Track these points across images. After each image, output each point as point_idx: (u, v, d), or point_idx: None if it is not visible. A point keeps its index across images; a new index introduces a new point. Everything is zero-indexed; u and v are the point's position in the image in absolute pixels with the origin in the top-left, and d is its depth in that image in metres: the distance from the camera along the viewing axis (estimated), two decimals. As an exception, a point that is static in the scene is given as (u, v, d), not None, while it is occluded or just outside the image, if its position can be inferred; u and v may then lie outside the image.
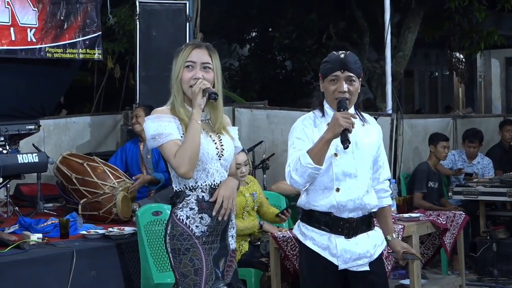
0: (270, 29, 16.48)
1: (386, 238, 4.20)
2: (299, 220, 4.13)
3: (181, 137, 3.74)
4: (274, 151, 8.44)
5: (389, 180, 4.26)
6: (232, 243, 3.90)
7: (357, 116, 3.93)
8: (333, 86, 3.96)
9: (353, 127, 3.78)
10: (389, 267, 5.64)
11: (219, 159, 3.81)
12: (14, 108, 8.32)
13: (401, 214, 6.35)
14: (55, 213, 7.23)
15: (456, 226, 6.63)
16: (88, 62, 10.47)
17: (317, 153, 3.80)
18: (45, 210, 7.39)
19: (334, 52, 4.06)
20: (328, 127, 3.82)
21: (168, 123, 3.75)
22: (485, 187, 8.05)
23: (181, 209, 3.77)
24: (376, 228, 4.14)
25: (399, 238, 5.58)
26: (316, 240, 3.98)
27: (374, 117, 8.08)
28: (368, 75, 13.97)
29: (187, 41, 9.34)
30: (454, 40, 14.72)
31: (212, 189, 3.79)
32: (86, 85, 12.76)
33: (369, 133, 4.05)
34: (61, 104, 12.02)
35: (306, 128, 3.99)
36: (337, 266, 3.98)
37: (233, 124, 9.38)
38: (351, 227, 3.98)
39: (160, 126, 3.73)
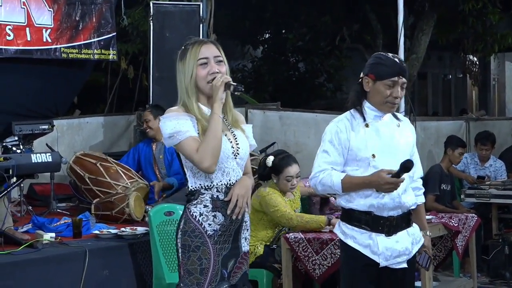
0: (283, 31, 16.51)
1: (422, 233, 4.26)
2: (339, 220, 4.20)
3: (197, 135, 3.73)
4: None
5: (422, 178, 4.29)
6: (245, 245, 3.87)
7: (401, 181, 3.94)
8: (389, 90, 4.00)
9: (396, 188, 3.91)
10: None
11: (235, 158, 3.79)
12: (29, 108, 8.36)
13: (413, 216, 6.34)
14: (68, 213, 7.25)
15: (468, 228, 6.62)
16: (101, 63, 10.50)
17: (351, 187, 3.99)
18: (58, 210, 7.41)
19: (385, 54, 4.08)
20: (373, 180, 3.92)
21: (185, 121, 3.73)
22: (498, 190, 8.03)
23: (195, 206, 3.76)
24: (414, 225, 4.20)
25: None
26: (357, 238, 4.05)
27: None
28: (381, 77, 13.94)
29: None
30: (468, 43, 14.71)
31: (228, 189, 3.78)
32: (100, 85, 12.82)
33: (404, 132, 4.12)
34: (75, 104, 12.07)
35: (340, 133, 4.05)
36: (377, 264, 4.04)
37: (246, 125, 9.51)
38: (391, 225, 4.04)
39: (178, 124, 3.70)
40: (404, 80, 4.01)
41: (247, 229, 3.88)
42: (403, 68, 4.02)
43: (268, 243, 6.09)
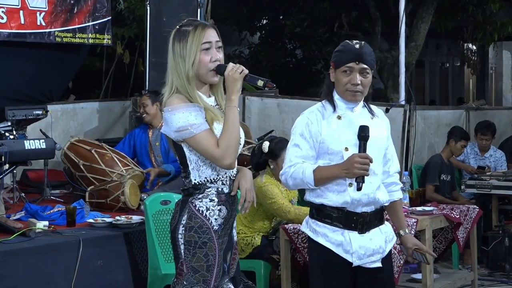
0: (281, 17, 16.35)
1: (398, 233, 4.11)
2: (307, 217, 4.01)
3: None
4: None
5: (398, 172, 4.14)
6: (235, 235, 3.77)
7: (373, 160, 3.79)
8: (346, 78, 3.85)
9: (368, 172, 3.73)
10: (401, 261, 5.53)
11: None
12: (23, 92, 8.23)
13: (414, 207, 6.23)
14: (62, 200, 7.13)
15: (469, 220, 6.51)
16: (96, 47, 10.37)
17: (322, 180, 3.80)
18: (51, 197, 7.28)
19: (348, 41, 3.94)
20: (343, 165, 3.75)
21: (196, 112, 3.54)
22: (499, 181, 7.93)
23: (200, 200, 3.60)
24: (386, 223, 4.05)
25: (412, 232, 5.48)
26: (329, 236, 3.88)
27: (387, 108, 8.15)
28: (379, 65, 13.84)
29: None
30: (467, 31, 14.57)
31: (231, 181, 3.65)
32: (95, 70, 12.66)
33: (378, 126, 3.95)
34: (70, 89, 11.92)
35: (311, 125, 3.88)
36: (351, 263, 3.88)
37: (243, 113, 9.39)
38: (364, 221, 3.88)
39: (190, 116, 3.52)
40: (363, 65, 3.82)
41: (235, 218, 3.78)
42: (361, 53, 3.82)
43: (265, 234, 5.97)
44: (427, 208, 6.23)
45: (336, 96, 3.91)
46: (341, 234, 3.86)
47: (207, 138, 3.52)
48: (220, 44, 3.65)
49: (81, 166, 7.07)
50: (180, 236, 3.61)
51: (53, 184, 7.72)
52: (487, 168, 8.72)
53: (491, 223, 8.10)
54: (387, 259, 3.99)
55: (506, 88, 22.35)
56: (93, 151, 7.10)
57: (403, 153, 8.29)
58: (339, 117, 3.88)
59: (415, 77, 21.55)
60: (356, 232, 3.87)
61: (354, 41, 3.91)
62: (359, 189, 3.75)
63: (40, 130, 7.62)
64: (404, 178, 6.72)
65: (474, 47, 16.85)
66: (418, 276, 6.21)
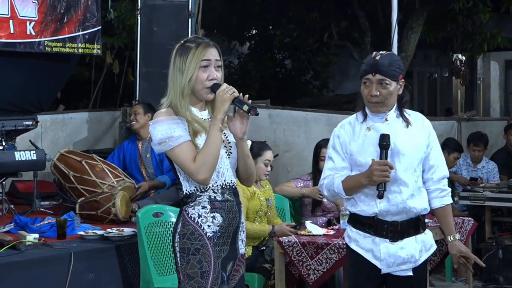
0: (270, 27, 16.31)
1: (446, 239, 4.08)
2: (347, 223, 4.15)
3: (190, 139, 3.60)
4: (276, 152, 8.24)
5: (447, 178, 4.09)
6: (242, 248, 3.76)
7: (393, 166, 3.83)
8: (366, 90, 3.91)
9: (389, 177, 3.79)
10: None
11: (228, 157, 3.69)
12: (11, 103, 8.14)
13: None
14: (52, 212, 7.05)
15: (464, 232, 6.46)
16: (85, 57, 10.29)
17: (350, 189, 3.92)
18: (41, 209, 7.19)
19: (373, 53, 3.97)
20: (366, 173, 3.84)
21: (176, 125, 3.60)
22: (493, 192, 7.89)
23: (192, 207, 3.63)
24: (427, 231, 4.05)
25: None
26: (360, 242, 3.98)
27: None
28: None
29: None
30: (456, 42, 14.56)
31: (223, 189, 3.66)
32: (83, 80, 12.58)
33: (413, 134, 3.96)
34: (58, 99, 11.83)
35: (341, 138, 3.99)
36: (380, 270, 3.94)
37: (234, 123, 9.32)
38: (395, 230, 3.93)
39: (169, 129, 3.58)
40: (380, 76, 3.86)
41: (243, 231, 3.78)
42: (376, 64, 3.87)
43: (255, 245, 5.92)
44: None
45: (367, 108, 3.98)
46: (372, 240, 3.95)
47: (184, 152, 3.57)
48: (219, 63, 3.69)
49: (71, 177, 6.97)
50: (176, 244, 3.65)
51: (43, 196, 7.62)
52: (479, 179, 8.68)
53: (484, 235, 8.05)
54: (420, 269, 4.00)
55: (494, 98, 22.40)
56: (83, 162, 7.00)
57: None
58: (368, 129, 3.95)
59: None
60: (388, 240, 3.92)
61: (377, 53, 3.95)
62: (380, 196, 3.82)
63: (30, 141, 7.51)
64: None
65: (464, 58, 16.85)
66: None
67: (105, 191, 6.74)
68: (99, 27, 8.64)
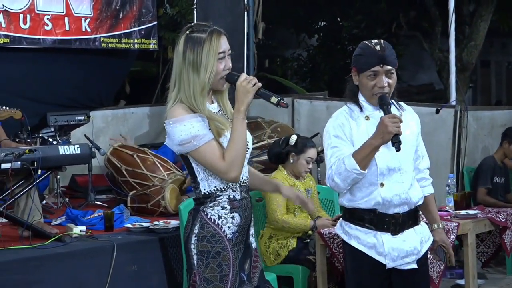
0: (338, 19, 16.18)
1: (432, 227, 4.02)
2: (341, 219, 3.97)
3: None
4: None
5: (428, 169, 4.01)
6: (253, 242, 3.63)
7: (402, 120, 3.70)
8: (372, 82, 3.76)
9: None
10: (442, 267, 5.37)
11: (246, 153, 3.54)
12: (70, 98, 8.30)
13: (457, 211, 6.05)
14: (106, 205, 7.16)
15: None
16: (153, 53, 10.40)
17: (364, 159, 3.67)
18: (96, 202, 7.31)
19: (367, 43, 3.83)
20: (376, 132, 3.66)
21: (199, 123, 3.39)
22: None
23: (212, 208, 3.47)
24: (422, 223, 3.96)
25: (453, 236, 5.33)
26: (361, 238, 3.84)
27: (437, 109, 7.93)
28: (439, 66, 13.56)
29: (245, 31, 9.15)
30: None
31: (241, 187, 3.52)
32: (152, 76, 12.71)
33: (408, 123, 3.86)
34: (127, 94, 12.00)
35: (343, 126, 3.80)
36: (384, 265, 3.82)
37: (293, 115, 9.28)
38: (397, 223, 3.81)
39: (192, 128, 3.37)
40: (388, 67, 3.74)
41: (253, 224, 3.64)
42: (384, 56, 3.73)
43: (300, 236, 5.90)
44: (471, 212, 6.04)
45: (361, 99, 3.84)
46: (374, 236, 3.81)
47: (211, 150, 3.41)
48: (230, 51, 3.51)
49: (124, 171, 7.06)
50: (192, 246, 3.47)
51: (100, 189, 7.76)
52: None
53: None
54: (423, 260, 3.91)
55: None
56: (135, 156, 7.09)
57: (454, 155, 8.07)
58: (367, 118, 3.81)
59: (480, 77, 21.13)
60: (389, 234, 3.81)
61: (374, 42, 3.80)
62: (398, 149, 3.63)
63: (85, 135, 7.64)
64: (449, 181, 6.55)
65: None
66: (462, 281, 6.03)
67: (156, 184, 6.80)
68: (155, 22, 8.74)
